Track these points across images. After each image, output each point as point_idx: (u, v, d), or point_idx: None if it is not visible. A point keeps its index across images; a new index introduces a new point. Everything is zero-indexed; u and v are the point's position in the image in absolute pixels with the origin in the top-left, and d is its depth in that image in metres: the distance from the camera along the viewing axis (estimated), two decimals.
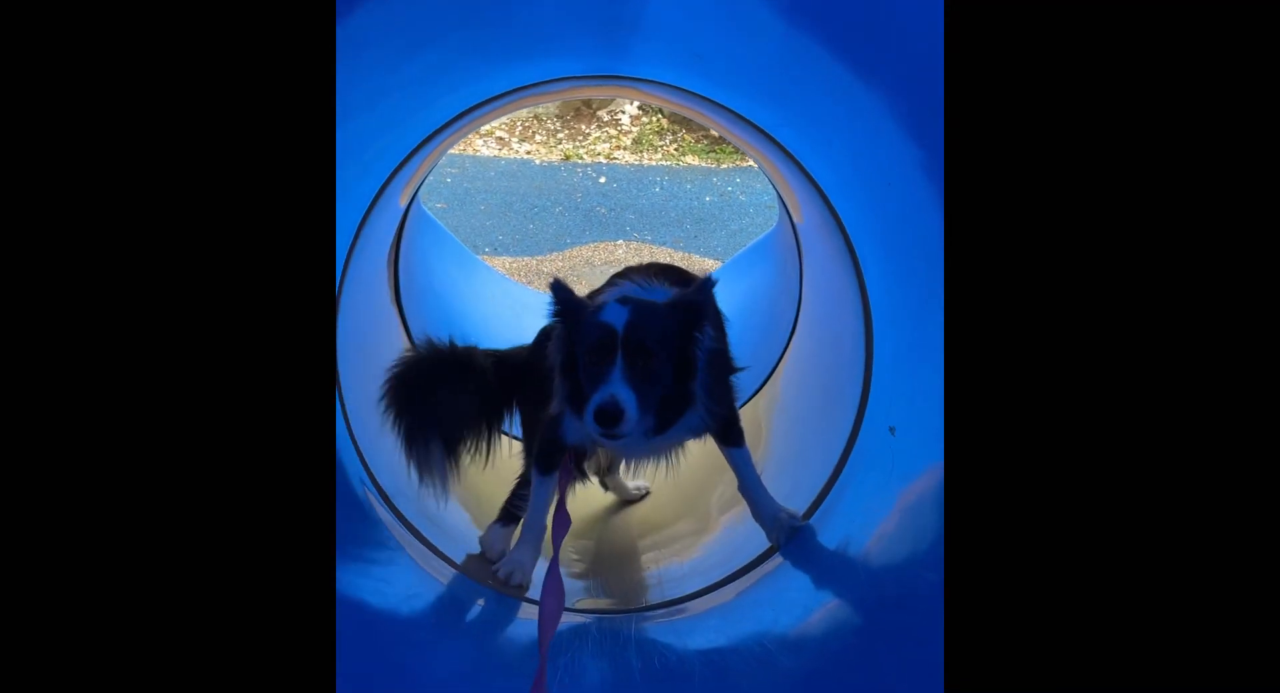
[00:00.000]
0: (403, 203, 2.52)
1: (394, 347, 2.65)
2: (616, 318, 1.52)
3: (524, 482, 2.08)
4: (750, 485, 1.88)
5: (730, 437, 1.86)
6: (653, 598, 2.14)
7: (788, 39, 1.47)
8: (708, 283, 1.63)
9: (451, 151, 6.72)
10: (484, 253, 5.00)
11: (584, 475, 2.14)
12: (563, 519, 1.79)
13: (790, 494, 2.22)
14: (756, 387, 2.88)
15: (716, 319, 1.79)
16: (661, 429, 1.60)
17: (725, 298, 3.40)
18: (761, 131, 1.83)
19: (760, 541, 2.14)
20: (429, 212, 3.49)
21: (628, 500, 2.61)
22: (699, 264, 5.14)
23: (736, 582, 2.06)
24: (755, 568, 2.07)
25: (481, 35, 1.63)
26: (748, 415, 2.83)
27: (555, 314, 1.63)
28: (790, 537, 1.84)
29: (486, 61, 1.69)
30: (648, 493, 2.64)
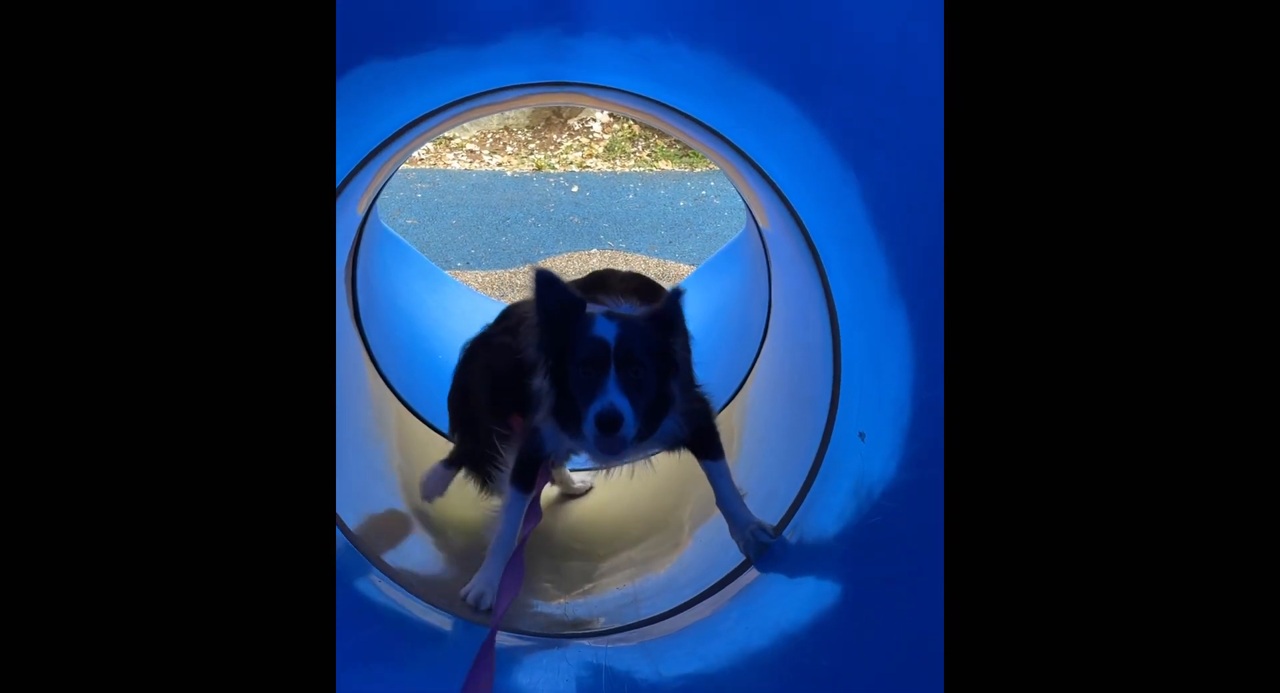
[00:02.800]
0: (359, 213, 2.45)
1: (356, 368, 2.58)
2: (607, 332, 1.61)
3: (472, 434, 2.13)
4: (727, 499, 1.90)
5: (708, 450, 1.89)
6: (626, 618, 2.08)
7: (729, 40, 1.42)
8: (677, 294, 1.71)
9: (422, 166, 6.65)
10: (455, 267, 4.94)
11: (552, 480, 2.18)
12: (535, 514, 1.82)
13: (765, 502, 2.17)
14: (731, 393, 2.83)
15: (683, 330, 1.84)
16: (646, 435, 1.68)
17: (696, 305, 3.35)
18: (716, 134, 1.78)
19: (734, 555, 2.08)
20: (391, 229, 3.42)
21: (569, 495, 2.59)
22: (674, 270, 5.09)
23: (711, 599, 2.00)
24: (729, 584, 2.01)
25: (424, 44, 1.57)
26: (722, 423, 2.79)
27: (540, 307, 1.65)
28: (761, 552, 1.86)
29: (428, 73, 1.64)
30: (590, 489, 2.63)
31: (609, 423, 1.54)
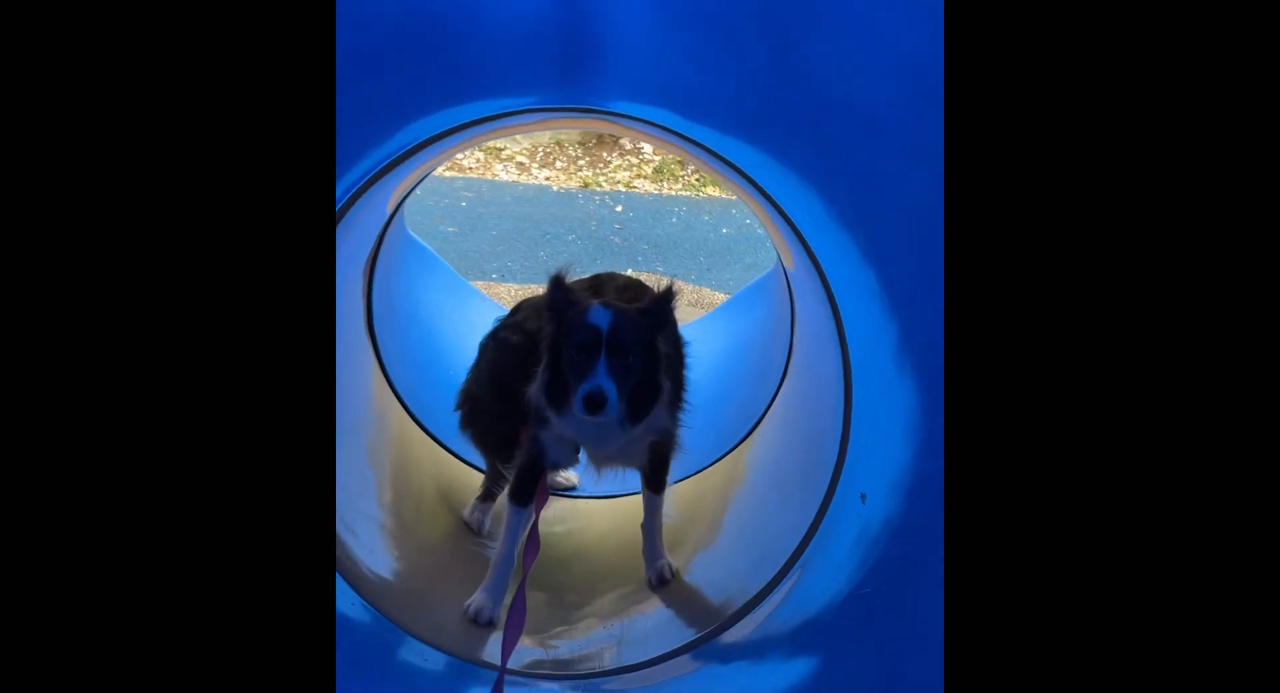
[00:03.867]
0: (383, 216, 2.44)
1: (362, 381, 2.56)
2: (601, 320, 1.74)
3: (493, 464, 2.24)
4: (652, 529, 2.11)
5: (655, 481, 2.08)
6: (609, 662, 2.00)
7: (751, 74, 1.36)
8: (670, 293, 1.84)
9: (470, 174, 6.71)
10: (489, 279, 4.94)
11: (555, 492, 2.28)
12: (534, 545, 1.90)
13: (764, 554, 2.08)
14: (748, 430, 2.74)
15: (674, 329, 1.98)
16: (634, 419, 1.81)
17: (722, 337, 3.29)
18: (738, 170, 1.72)
19: (724, 604, 2.00)
20: (431, 235, 3.41)
21: (554, 487, 2.51)
22: (708, 298, 5.02)
23: (697, 652, 1.91)
24: (718, 637, 1.92)
25: (433, 68, 1.54)
26: (733, 459, 2.70)
27: (550, 307, 1.82)
28: (660, 583, 2.08)
29: (437, 96, 1.61)
30: (574, 486, 2.60)
31: (594, 402, 1.66)
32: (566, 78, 1.58)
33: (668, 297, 1.83)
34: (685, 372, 2.13)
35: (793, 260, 2.24)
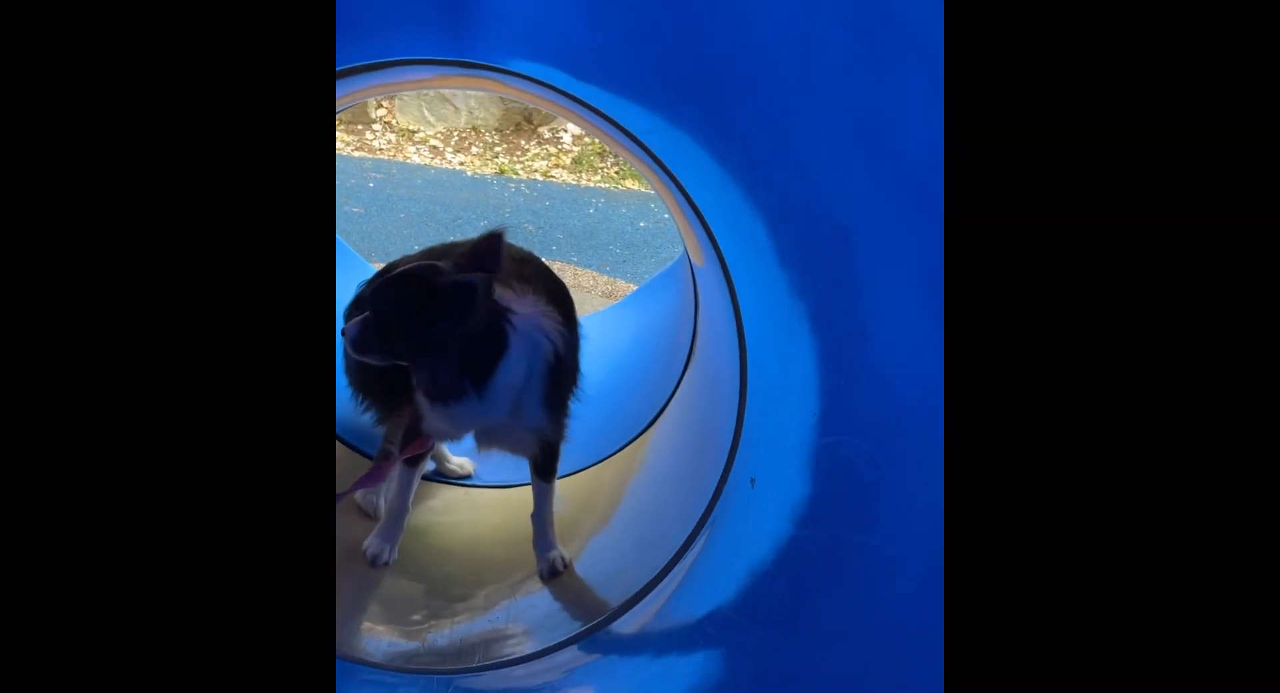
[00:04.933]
0: None
1: None
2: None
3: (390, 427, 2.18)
4: (543, 517, 2.05)
5: (544, 470, 2.02)
6: (492, 656, 1.89)
7: (644, 29, 1.28)
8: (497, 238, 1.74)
9: (380, 156, 6.46)
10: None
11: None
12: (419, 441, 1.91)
13: (657, 543, 2.01)
14: (650, 419, 2.67)
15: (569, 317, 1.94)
16: (479, 382, 1.69)
17: (631, 326, 3.22)
18: (626, 132, 1.64)
19: (615, 595, 1.92)
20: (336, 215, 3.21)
21: (447, 475, 2.49)
22: (623, 289, 4.94)
23: (582, 645, 1.83)
24: (602, 630, 1.84)
25: None
26: (635, 448, 2.63)
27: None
28: (551, 575, 2.03)
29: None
30: (470, 474, 2.51)
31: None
32: (449, 29, 1.47)
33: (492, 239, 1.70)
34: (571, 372, 2.01)
35: (693, 235, 2.18)
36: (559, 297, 2.03)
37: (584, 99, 1.56)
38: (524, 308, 1.77)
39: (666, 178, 1.76)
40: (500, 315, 1.71)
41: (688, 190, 1.70)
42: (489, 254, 1.67)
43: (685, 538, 1.90)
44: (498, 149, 6.66)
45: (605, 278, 5.06)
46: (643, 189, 6.47)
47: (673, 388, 2.65)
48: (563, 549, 2.08)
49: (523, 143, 6.77)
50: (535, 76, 1.60)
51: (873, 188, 1.14)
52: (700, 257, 2.12)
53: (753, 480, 1.66)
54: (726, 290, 1.82)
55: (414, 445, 1.93)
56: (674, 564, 1.86)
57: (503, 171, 6.41)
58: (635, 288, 5.05)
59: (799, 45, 1.12)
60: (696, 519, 1.89)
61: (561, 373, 1.87)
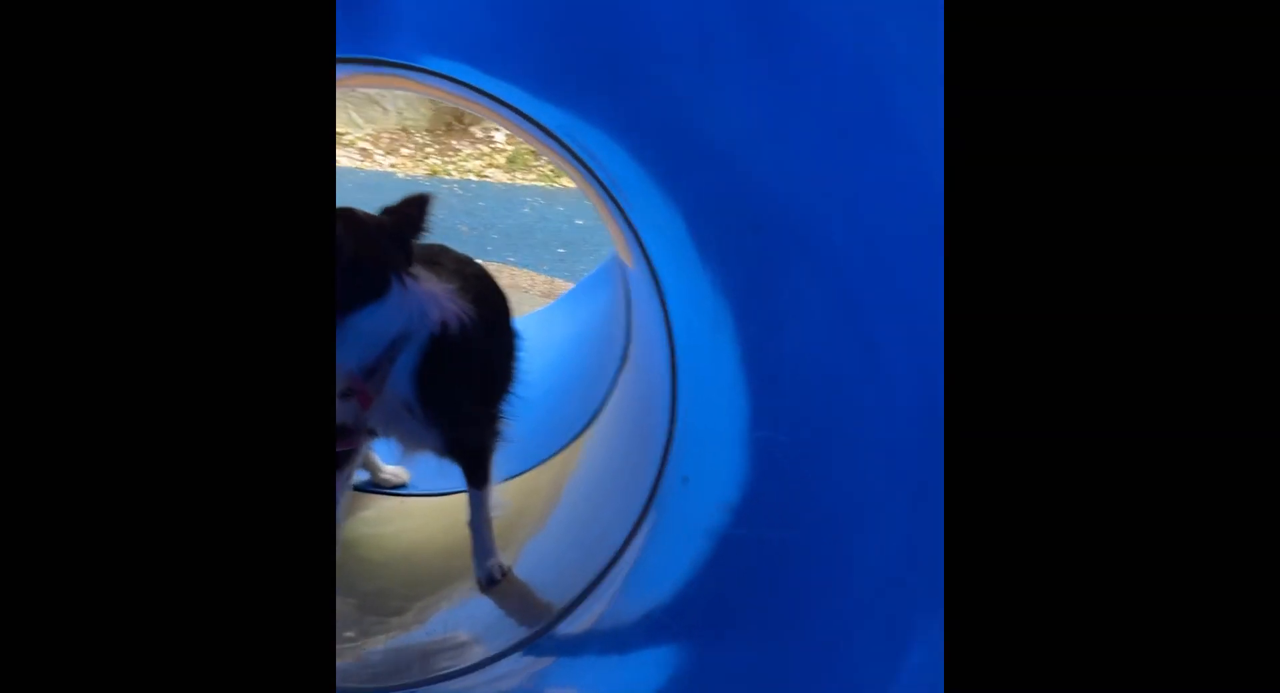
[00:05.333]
0: None
1: None
2: None
3: None
4: (479, 526, 2.00)
5: (476, 476, 1.97)
6: (429, 671, 1.84)
7: (548, 21, 1.25)
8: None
9: None
10: None
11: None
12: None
13: (595, 545, 1.98)
14: (586, 420, 2.64)
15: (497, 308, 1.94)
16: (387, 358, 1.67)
17: (566, 326, 3.18)
18: (550, 134, 1.60)
19: (566, 590, 1.88)
20: None
21: (381, 485, 2.43)
22: (561, 288, 4.89)
23: (520, 656, 1.79)
24: (542, 637, 1.81)
25: None
26: (570, 451, 2.59)
27: None
28: (490, 583, 1.99)
29: None
30: (404, 485, 2.45)
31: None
32: (353, 26, 1.41)
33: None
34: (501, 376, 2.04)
35: (620, 233, 2.16)
36: (488, 298, 1.98)
37: (499, 96, 1.52)
38: (430, 284, 1.72)
39: (588, 175, 1.73)
40: (392, 267, 1.66)
41: (608, 187, 1.67)
42: (413, 215, 1.71)
43: (623, 539, 1.88)
44: (429, 150, 6.53)
45: (543, 277, 5.01)
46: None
47: (608, 388, 2.63)
48: (501, 557, 2.04)
49: (454, 143, 6.67)
50: (447, 73, 1.56)
51: (782, 180, 1.13)
52: (628, 256, 2.10)
53: (685, 479, 1.64)
54: (654, 289, 1.80)
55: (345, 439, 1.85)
56: (613, 565, 1.84)
57: (435, 173, 6.30)
58: (571, 284, 5.01)
59: (696, 32, 1.09)
60: (634, 520, 1.87)
61: (458, 362, 1.78)
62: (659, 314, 1.82)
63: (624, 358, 2.61)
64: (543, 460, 2.59)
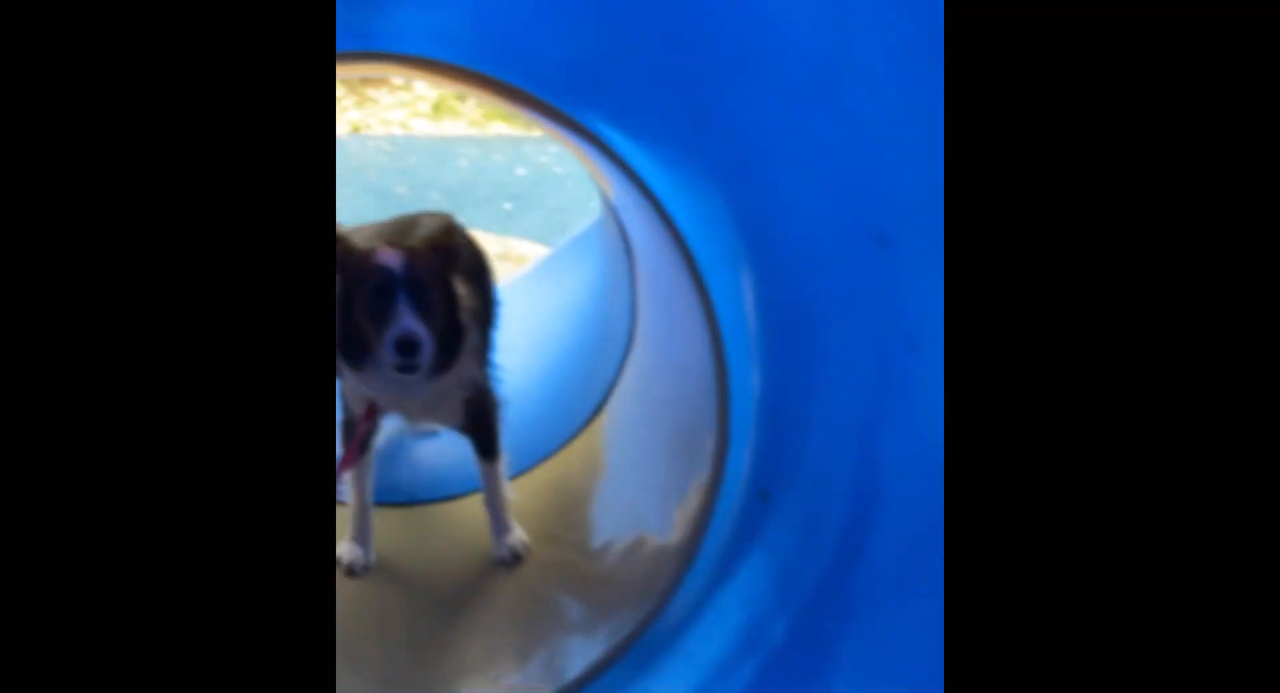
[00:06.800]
0: None
1: None
2: (392, 260, 1.65)
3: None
4: (496, 502, 1.97)
5: (485, 447, 1.95)
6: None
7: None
8: (452, 227, 1.89)
9: None
10: None
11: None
12: (352, 455, 1.84)
13: (632, 548, 1.84)
14: (595, 405, 2.46)
15: (477, 275, 1.96)
16: (441, 366, 1.71)
17: (548, 298, 2.95)
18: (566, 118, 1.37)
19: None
20: None
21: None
22: (517, 248, 4.61)
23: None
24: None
25: None
26: (587, 438, 2.42)
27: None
28: (514, 562, 1.95)
29: None
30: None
31: (408, 345, 1.57)
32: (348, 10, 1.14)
33: (450, 230, 1.83)
34: (492, 328, 2.02)
35: (614, 195, 1.94)
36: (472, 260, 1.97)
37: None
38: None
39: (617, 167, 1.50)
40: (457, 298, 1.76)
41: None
42: (447, 248, 1.75)
43: (680, 550, 1.73)
44: (347, 103, 6.03)
45: (495, 237, 4.70)
46: (513, 131, 6.05)
47: (615, 369, 2.44)
48: (522, 532, 1.97)
49: (371, 93, 6.17)
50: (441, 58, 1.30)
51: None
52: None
53: (764, 494, 1.49)
54: (685, 269, 1.60)
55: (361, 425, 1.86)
56: (677, 584, 1.69)
57: (357, 129, 5.83)
58: (529, 244, 4.72)
59: None
60: (688, 530, 1.71)
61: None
62: (698, 309, 1.63)
63: (629, 341, 2.42)
64: (551, 453, 2.42)
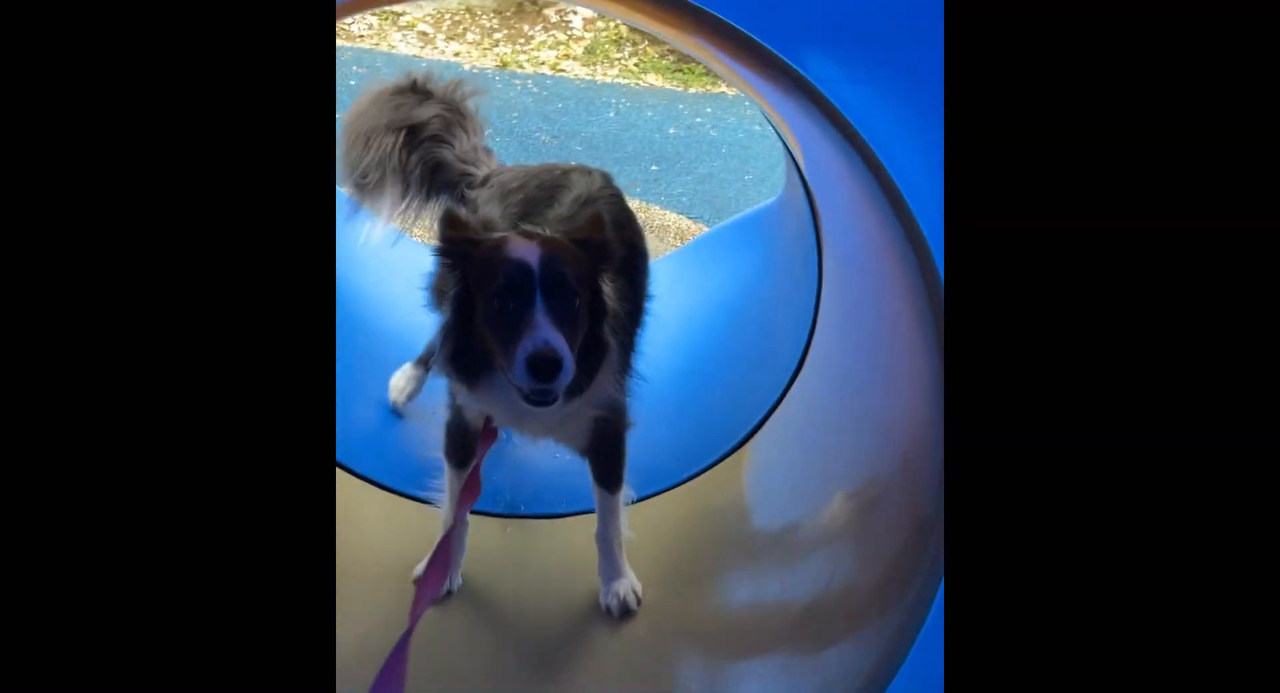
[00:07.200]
0: None
1: None
2: (528, 253, 1.34)
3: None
4: (608, 539, 1.69)
5: (608, 473, 1.65)
6: None
7: None
8: (599, 220, 1.46)
9: (361, 44, 5.49)
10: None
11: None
12: (473, 485, 1.53)
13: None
14: (746, 431, 2.02)
15: (632, 275, 1.62)
16: (578, 389, 1.40)
17: (699, 288, 2.50)
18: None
19: None
20: None
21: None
22: (659, 218, 4.18)
23: None
24: None
25: None
26: (727, 474, 2.00)
27: (442, 254, 1.41)
28: (622, 613, 1.67)
29: None
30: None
31: (546, 364, 1.24)
32: None
33: (599, 221, 1.44)
34: (640, 329, 1.69)
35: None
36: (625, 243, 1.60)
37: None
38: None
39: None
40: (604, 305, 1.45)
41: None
42: (599, 243, 1.42)
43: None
44: (498, 36, 5.68)
45: (637, 202, 4.27)
46: (669, 87, 5.57)
47: (780, 389, 1.98)
48: (634, 579, 1.69)
49: (526, 28, 5.80)
50: None
51: None
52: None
53: None
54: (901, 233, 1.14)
55: (484, 440, 1.59)
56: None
57: (505, 64, 5.47)
58: (672, 215, 4.27)
59: None
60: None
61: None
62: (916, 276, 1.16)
63: (800, 363, 1.94)
64: (682, 481, 2.00)
